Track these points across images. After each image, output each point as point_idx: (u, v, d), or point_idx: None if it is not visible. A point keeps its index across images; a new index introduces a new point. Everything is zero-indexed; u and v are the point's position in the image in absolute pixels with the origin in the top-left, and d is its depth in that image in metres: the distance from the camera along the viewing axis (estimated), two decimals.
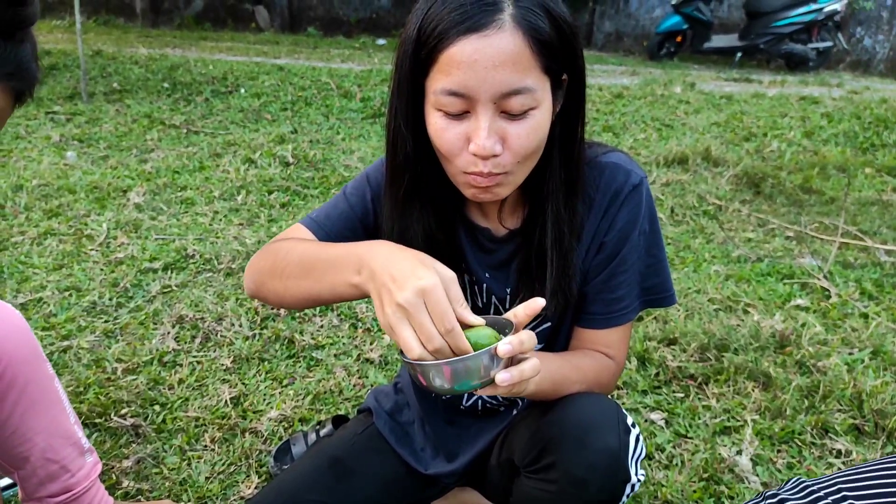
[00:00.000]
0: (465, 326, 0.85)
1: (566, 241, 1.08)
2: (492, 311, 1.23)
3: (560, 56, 0.96)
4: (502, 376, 0.84)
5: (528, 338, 0.86)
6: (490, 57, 0.90)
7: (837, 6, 8.42)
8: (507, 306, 1.20)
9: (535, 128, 0.96)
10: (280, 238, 1.17)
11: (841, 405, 2.00)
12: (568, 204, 1.07)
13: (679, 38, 9.31)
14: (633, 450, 1.04)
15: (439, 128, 0.97)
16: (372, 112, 5.53)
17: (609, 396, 1.14)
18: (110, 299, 2.50)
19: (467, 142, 0.96)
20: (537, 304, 0.90)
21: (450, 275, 0.84)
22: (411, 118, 1.01)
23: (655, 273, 1.18)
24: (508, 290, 1.19)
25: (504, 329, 0.94)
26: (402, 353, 0.87)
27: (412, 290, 0.80)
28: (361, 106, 5.67)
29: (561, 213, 1.07)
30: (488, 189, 0.99)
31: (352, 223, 1.21)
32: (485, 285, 1.20)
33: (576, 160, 1.07)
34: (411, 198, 1.09)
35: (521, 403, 1.31)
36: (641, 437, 1.09)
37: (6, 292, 2.49)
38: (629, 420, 1.08)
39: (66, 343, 2.21)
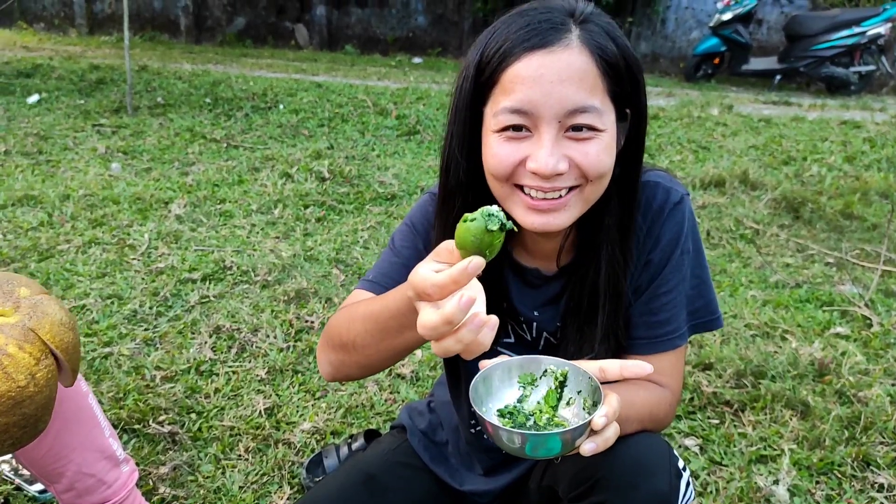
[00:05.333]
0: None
1: (619, 283, 1.05)
2: (542, 344, 1.19)
3: (626, 83, 0.94)
4: (589, 447, 0.82)
5: (618, 404, 0.84)
6: (556, 72, 0.88)
7: (881, 29, 8.26)
8: (559, 339, 1.17)
9: (603, 148, 0.93)
10: (341, 309, 1.14)
11: (883, 437, 1.94)
12: (623, 246, 1.05)
13: (717, 60, 9.23)
14: (683, 495, 1.02)
15: (495, 148, 0.94)
16: (407, 129, 5.59)
17: (660, 435, 1.10)
18: (150, 308, 2.56)
19: (522, 163, 0.93)
20: (643, 368, 0.88)
21: (443, 243, 0.84)
22: (466, 144, 1.00)
23: (700, 295, 1.15)
24: (559, 325, 1.17)
25: (541, 366, 0.91)
26: (472, 408, 0.85)
27: (409, 289, 0.82)
28: (397, 123, 5.74)
29: (616, 254, 1.04)
30: (548, 212, 0.95)
31: (408, 273, 1.16)
32: (534, 323, 1.18)
33: (632, 202, 1.04)
34: None
35: None
36: (692, 481, 1.07)
37: None
38: (681, 463, 1.06)
39: (107, 350, 2.26)
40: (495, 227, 0.77)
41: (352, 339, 1.02)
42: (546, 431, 0.81)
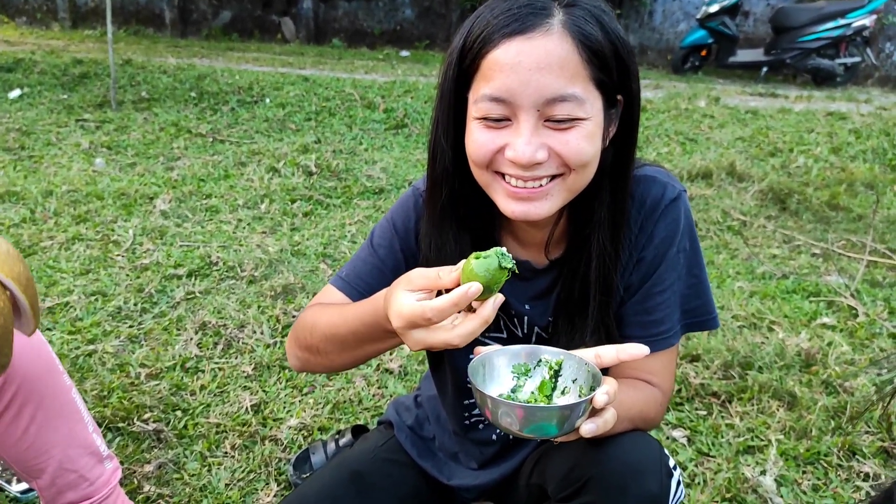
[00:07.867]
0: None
1: (610, 275, 1.04)
2: (533, 339, 1.18)
3: (613, 70, 0.92)
4: (588, 427, 0.81)
5: (615, 387, 0.83)
6: (534, 59, 0.87)
7: (866, 21, 8.30)
8: (550, 333, 1.16)
9: (585, 136, 0.91)
10: (310, 305, 1.15)
11: (869, 427, 1.96)
12: (614, 238, 1.03)
13: (704, 52, 9.25)
14: (674, 493, 1.01)
15: (475, 135, 0.94)
16: (395, 123, 5.56)
17: (651, 434, 1.08)
18: (135, 305, 2.53)
19: (501, 151, 0.92)
20: (640, 350, 0.87)
21: (413, 273, 0.87)
22: (451, 131, 0.99)
23: (697, 294, 1.12)
24: (550, 319, 1.15)
25: (537, 357, 0.92)
26: (470, 382, 0.85)
27: (398, 320, 0.85)
28: (384, 117, 5.71)
29: (606, 246, 1.03)
30: (529, 200, 0.94)
31: (384, 277, 1.14)
32: (525, 318, 1.17)
33: (624, 192, 1.02)
34: (448, 214, 1.05)
35: None
36: (682, 480, 1.06)
37: None
38: (671, 462, 1.04)
39: (91, 347, 2.24)
40: (509, 265, 0.83)
41: (315, 343, 1.07)
42: (546, 405, 0.81)
